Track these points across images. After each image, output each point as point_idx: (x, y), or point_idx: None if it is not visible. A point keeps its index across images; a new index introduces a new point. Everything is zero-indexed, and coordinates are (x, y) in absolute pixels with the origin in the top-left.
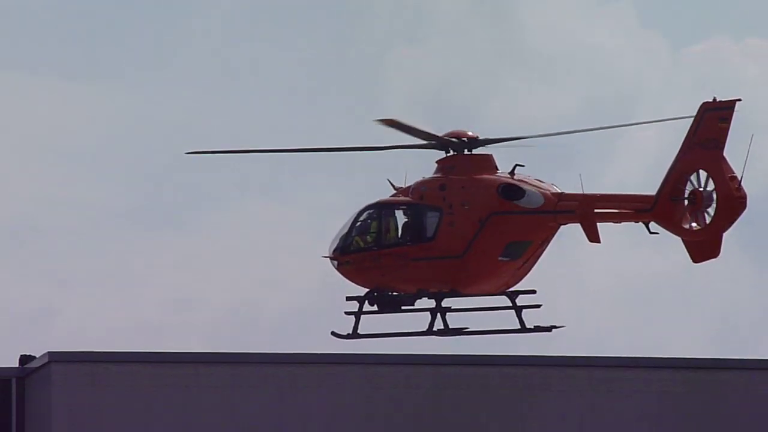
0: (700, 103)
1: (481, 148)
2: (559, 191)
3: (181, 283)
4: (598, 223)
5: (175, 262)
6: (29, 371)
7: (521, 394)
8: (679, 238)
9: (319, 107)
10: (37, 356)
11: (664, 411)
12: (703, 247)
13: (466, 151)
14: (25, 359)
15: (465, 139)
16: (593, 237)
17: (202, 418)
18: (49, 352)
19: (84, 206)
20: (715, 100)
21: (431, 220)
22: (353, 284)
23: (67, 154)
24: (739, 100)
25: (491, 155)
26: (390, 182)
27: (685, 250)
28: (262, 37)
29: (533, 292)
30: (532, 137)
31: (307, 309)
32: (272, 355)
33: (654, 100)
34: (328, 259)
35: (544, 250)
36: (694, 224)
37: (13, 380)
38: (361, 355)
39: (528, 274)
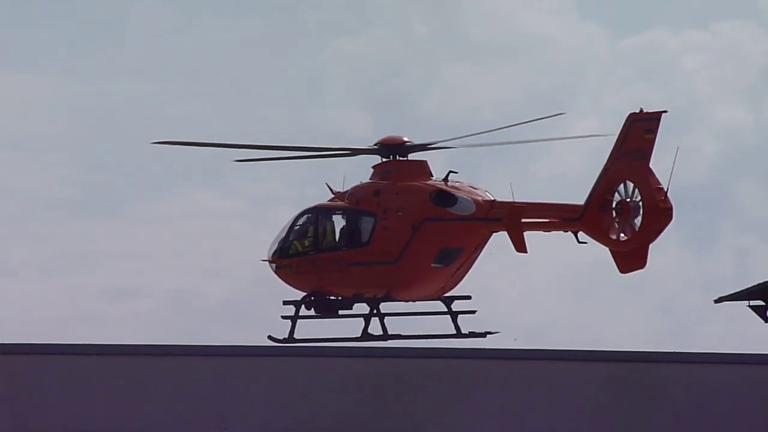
0: (628, 113)
1: (415, 153)
2: (492, 198)
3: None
4: (527, 232)
5: (113, 250)
6: None
7: (462, 387)
8: (607, 248)
9: (264, 96)
10: None
11: (603, 404)
12: (630, 257)
13: (398, 157)
14: None
15: (400, 144)
16: (520, 247)
17: (141, 406)
18: None
19: (24, 195)
20: (641, 111)
21: (366, 225)
22: (291, 288)
23: (8, 143)
24: (665, 111)
25: (426, 161)
26: (328, 186)
27: (613, 261)
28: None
29: (468, 297)
30: (467, 143)
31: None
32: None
33: (593, 91)
34: (267, 262)
35: (477, 256)
36: (621, 234)
37: None
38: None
39: (462, 281)
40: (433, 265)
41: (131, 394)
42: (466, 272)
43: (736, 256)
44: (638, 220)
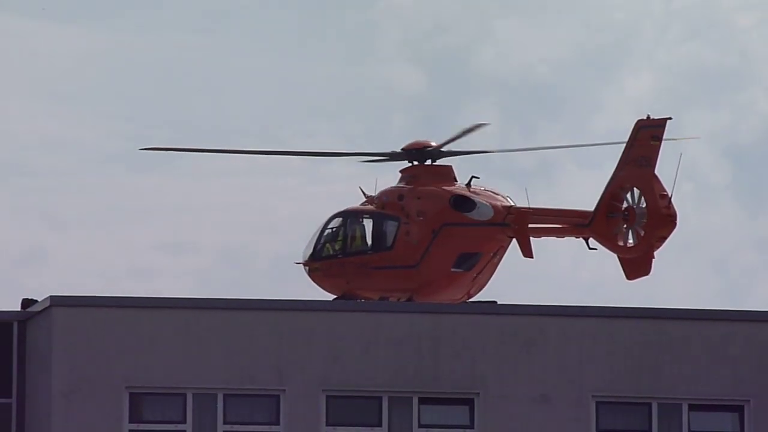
0: (635, 120)
1: (443, 159)
2: (510, 204)
3: (175, 227)
4: (540, 238)
5: (171, 204)
6: (30, 315)
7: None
8: (615, 255)
9: (317, 51)
10: (38, 300)
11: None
12: (636, 264)
13: (428, 162)
14: (26, 303)
15: (428, 148)
16: (526, 252)
17: (200, 361)
18: (50, 296)
19: (77, 148)
20: (648, 117)
21: (390, 229)
22: (324, 291)
23: (60, 95)
24: (670, 118)
25: (451, 166)
26: (361, 190)
27: (620, 267)
28: None
29: (494, 302)
30: (494, 151)
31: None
32: (268, 301)
33: (647, 48)
34: (301, 264)
35: (498, 261)
36: (628, 241)
37: (15, 323)
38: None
39: (485, 286)
40: (452, 269)
41: (189, 348)
42: (489, 278)
43: None
44: (644, 227)
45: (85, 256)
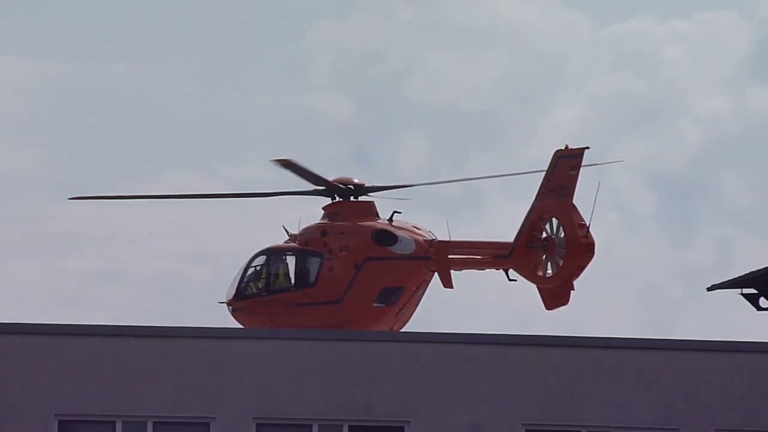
0: (554, 150)
1: (365, 195)
2: (432, 238)
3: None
4: (462, 270)
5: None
6: None
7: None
8: (534, 286)
9: (248, 80)
10: None
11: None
12: (555, 294)
13: (351, 198)
14: None
15: (351, 186)
16: (446, 283)
17: (130, 389)
18: None
19: (7, 176)
20: (566, 147)
21: (313, 265)
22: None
23: None
24: (587, 148)
25: (373, 202)
26: (285, 229)
27: (540, 298)
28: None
29: None
30: (414, 185)
31: None
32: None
33: (575, 79)
34: (225, 304)
35: (421, 296)
36: (547, 271)
37: None
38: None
39: (409, 321)
40: (375, 304)
41: (119, 376)
42: (411, 312)
43: (718, 245)
44: (562, 257)
45: (15, 284)
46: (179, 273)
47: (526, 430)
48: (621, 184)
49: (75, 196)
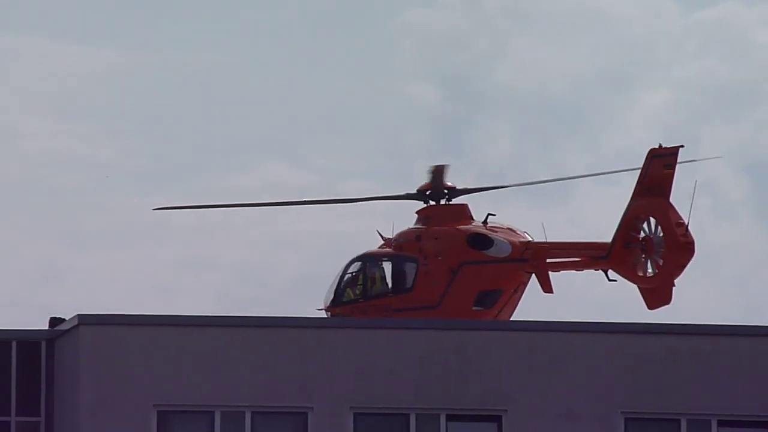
0: (648, 149)
1: (459, 197)
2: (528, 240)
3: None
4: (560, 272)
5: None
6: (59, 334)
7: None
8: (635, 286)
9: (333, 68)
10: (66, 319)
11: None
12: (657, 293)
13: (444, 201)
14: (54, 321)
15: (445, 189)
16: (546, 287)
17: (227, 379)
18: (78, 315)
19: (98, 165)
20: (660, 146)
21: (409, 271)
22: None
23: (77, 114)
24: (682, 146)
25: (466, 205)
26: (379, 233)
27: (641, 298)
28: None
29: None
30: (507, 186)
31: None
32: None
33: (663, 66)
34: (323, 311)
35: (519, 298)
36: (648, 271)
37: (43, 342)
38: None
39: None
40: (473, 308)
41: (216, 366)
42: (510, 315)
43: None
44: (662, 256)
45: (107, 275)
46: (266, 262)
47: (624, 418)
48: (714, 171)
49: (158, 207)
